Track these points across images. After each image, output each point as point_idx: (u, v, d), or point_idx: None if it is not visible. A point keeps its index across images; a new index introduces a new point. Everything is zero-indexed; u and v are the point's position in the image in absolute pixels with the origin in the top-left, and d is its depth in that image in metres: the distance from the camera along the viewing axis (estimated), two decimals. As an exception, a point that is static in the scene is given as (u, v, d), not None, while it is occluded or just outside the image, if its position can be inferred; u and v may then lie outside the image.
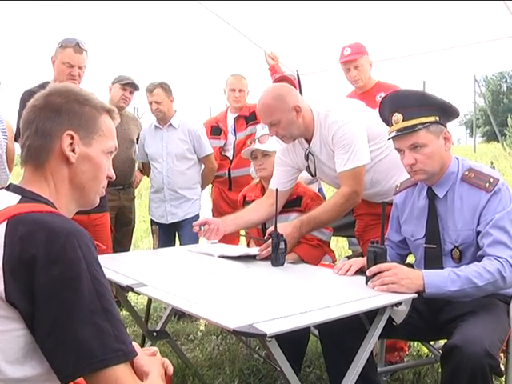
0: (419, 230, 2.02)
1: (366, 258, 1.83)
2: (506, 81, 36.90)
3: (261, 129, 2.91)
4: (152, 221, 3.87)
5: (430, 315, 1.93)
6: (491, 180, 1.86)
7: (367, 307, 1.57)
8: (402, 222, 2.12)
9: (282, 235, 2.14)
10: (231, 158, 3.89)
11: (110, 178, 1.25)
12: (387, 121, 2.00)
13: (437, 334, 1.97)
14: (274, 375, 2.62)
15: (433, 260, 1.96)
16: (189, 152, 3.71)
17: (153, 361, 1.17)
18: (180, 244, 3.75)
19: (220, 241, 2.66)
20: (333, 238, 2.84)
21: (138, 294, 1.81)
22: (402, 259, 2.15)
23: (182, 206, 3.72)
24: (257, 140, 2.82)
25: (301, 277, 2.05)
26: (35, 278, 0.94)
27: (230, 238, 3.05)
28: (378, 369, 2.22)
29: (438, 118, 1.90)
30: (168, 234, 3.75)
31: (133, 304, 3.62)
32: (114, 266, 2.08)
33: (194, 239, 3.33)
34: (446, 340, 1.78)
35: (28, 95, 2.92)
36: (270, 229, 2.23)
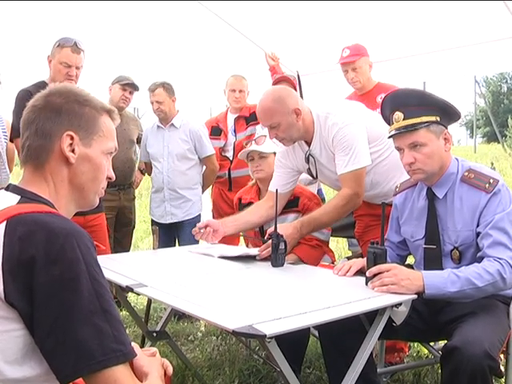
0: (419, 230, 2.02)
1: (365, 258, 1.83)
2: (507, 81, 36.93)
3: (260, 129, 2.91)
4: (152, 221, 3.87)
5: (430, 316, 1.93)
6: (491, 181, 1.86)
7: (367, 308, 1.57)
8: (401, 223, 2.12)
9: (281, 236, 2.14)
10: (231, 159, 3.89)
11: (110, 178, 1.25)
12: (388, 119, 2.00)
13: (437, 334, 1.97)
14: (274, 376, 2.62)
15: (432, 261, 1.96)
16: (190, 152, 3.71)
17: (152, 361, 1.17)
18: (179, 245, 3.74)
19: (220, 241, 2.66)
20: (333, 238, 2.85)
21: (138, 294, 1.81)
22: (401, 260, 2.15)
23: (182, 207, 3.72)
24: (253, 141, 2.81)
25: (301, 277, 2.05)
26: (34, 278, 0.94)
27: (230, 239, 3.05)
28: (378, 369, 2.22)
29: (438, 118, 1.90)
30: (168, 234, 3.74)
31: (133, 304, 3.62)
32: (114, 267, 2.08)
33: (194, 241, 3.33)
34: (445, 341, 1.78)
35: (23, 94, 2.92)
36: (270, 229, 2.23)
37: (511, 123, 26.71)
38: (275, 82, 3.78)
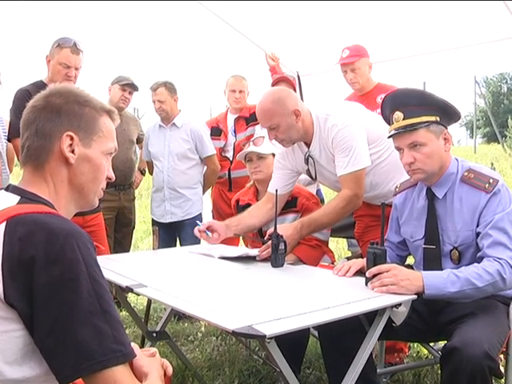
0: (418, 230, 2.02)
1: (365, 259, 1.83)
2: (507, 82, 36.92)
3: (260, 130, 2.90)
4: (153, 221, 3.87)
5: (430, 316, 1.93)
6: (491, 181, 1.86)
7: (367, 308, 1.57)
8: (401, 223, 2.12)
9: (281, 236, 2.14)
10: (231, 159, 3.89)
11: (110, 179, 1.25)
12: (388, 119, 2.00)
13: (436, 335, 1.97)
14: (274, 376, 2.62)
15: (432, 261, 1.96)
16: (190, 152, 3.71)
17: (152, 362, 1.17)
18: (180, 245, 3.74)
19: (220, 242, 2.66)
20: (332, 239, 2.85)
21: (138, 294, 1.81)
22: (401, 260, 2.15)
23: (182, 206, 3.72)
24: (251, 143, 2.81)
25: (300, 278, 2.05)
26: (34, 279, 0.94)
27: (230, 239, 3.05)
28: (378, 370, 2.22)
29: (438, 118, 1.90)
30: (169, 233, 3.74)
31: (132, 305, 3.62)
32: (114, 267, 2.08)
33: (195, 240, 3.33)
34: (445, 341, 1.78)
35: (22, 93, 2.92)
36: (270, 230, 2.23)
37: (511, 123, 26.70)
38: (274, 83, 3.78)
